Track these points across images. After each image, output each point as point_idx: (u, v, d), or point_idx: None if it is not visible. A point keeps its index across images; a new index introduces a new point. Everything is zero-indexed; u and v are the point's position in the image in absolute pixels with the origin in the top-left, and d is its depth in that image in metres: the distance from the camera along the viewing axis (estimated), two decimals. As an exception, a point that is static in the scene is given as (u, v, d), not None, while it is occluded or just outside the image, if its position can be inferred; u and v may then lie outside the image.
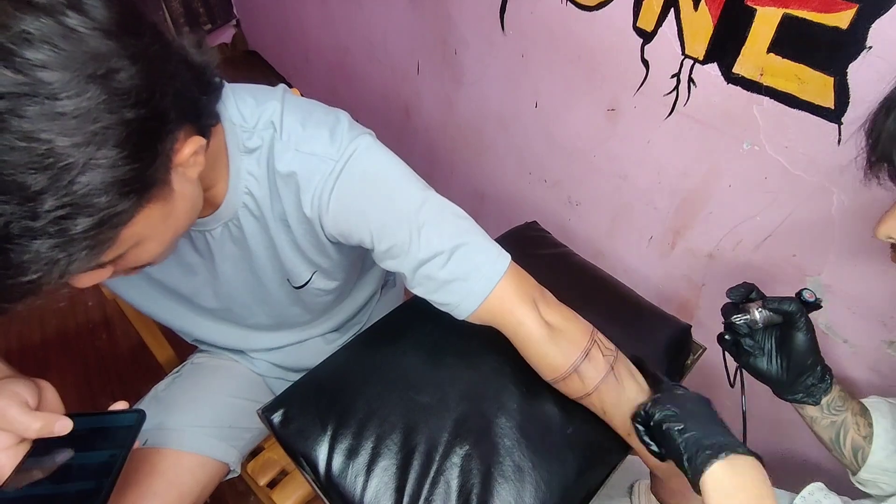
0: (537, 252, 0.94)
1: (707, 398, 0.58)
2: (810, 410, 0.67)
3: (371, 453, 0.65)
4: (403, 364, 0.73)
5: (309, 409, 0.69)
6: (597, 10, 0.90)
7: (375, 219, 0.61)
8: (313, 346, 0.90)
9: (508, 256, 0.65)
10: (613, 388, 0.63)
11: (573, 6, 0.93)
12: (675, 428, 0.53)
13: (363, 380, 0.71)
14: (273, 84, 0.66)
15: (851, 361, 0.86)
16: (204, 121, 0.52)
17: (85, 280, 0.46)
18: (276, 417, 0.68)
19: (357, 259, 0.77)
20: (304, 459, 0.66)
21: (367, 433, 0.66)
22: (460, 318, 0.64)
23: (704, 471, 0.48)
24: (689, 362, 0.82)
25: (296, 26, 2.01)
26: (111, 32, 0.38)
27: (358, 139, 0.60)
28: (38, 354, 1.51)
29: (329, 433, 0.66)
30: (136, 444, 0.69)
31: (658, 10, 0.82)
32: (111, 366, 1.51)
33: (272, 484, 0.90)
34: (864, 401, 0.68)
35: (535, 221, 1.03)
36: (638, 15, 0.85)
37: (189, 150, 0.48)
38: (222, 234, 0.65)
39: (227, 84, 0.59)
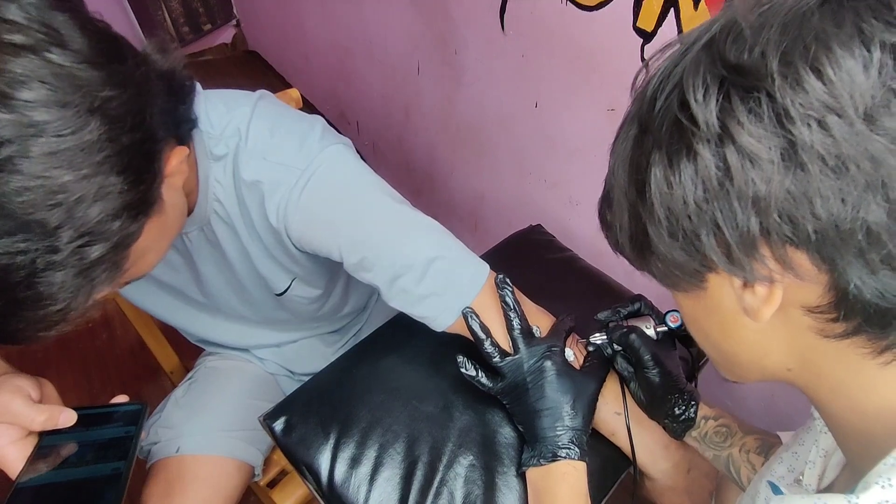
0: (543, 256, 0.94)
1: (554, 354, 0.60)
2: (686, 438, 0.62)
3: (374, 463, 0.64)
4: (406, 372, 0.72)
5: (311, 416, 0.68)
6: (597, 10, 0.90)
7: (343, 232, 0.59)
8: (311, 346, 0.90)
9: (486, 269, 0.64)
10: None
11: (573, 6, 0.93)
12: (512, 410, 0.62)
13: (366, 388, 0.70)
14: (273, 85, 0.66)
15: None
16: (183, 128, 0.53)
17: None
18: (278, 425, 0.68)
19: (337, 266, 0.76)
20: (306, 468, 0.65)
21: (370, 442, 0.66)
22: (436, 329, 0.64)
23: (527, 467, 0.60)
24: (697, 371, 0.79)
25: (296, 26, 2.01)
26: (97, 63, 0.39)
27: (329, 149, 0.59)
28: (38, 354, 1.51)
29: (331, 442, 0.66)
30: (172, 453, 0.71)
31: (658, 10, 0.82)
32: (111, 366, 1.51)
33: (272, 484, 0.90)
34: (786, 436, 0.60)
35: (539, 225, 1.03)
36: (638, 15, 0.85)
37: (175, 161, 0.48)
38: (198, 237, 0.65)
39: (201, 90, 0.58)
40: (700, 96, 0.29)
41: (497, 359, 0.62)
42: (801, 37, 0.27)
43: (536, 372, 0.60)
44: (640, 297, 0.65)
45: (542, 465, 0.58)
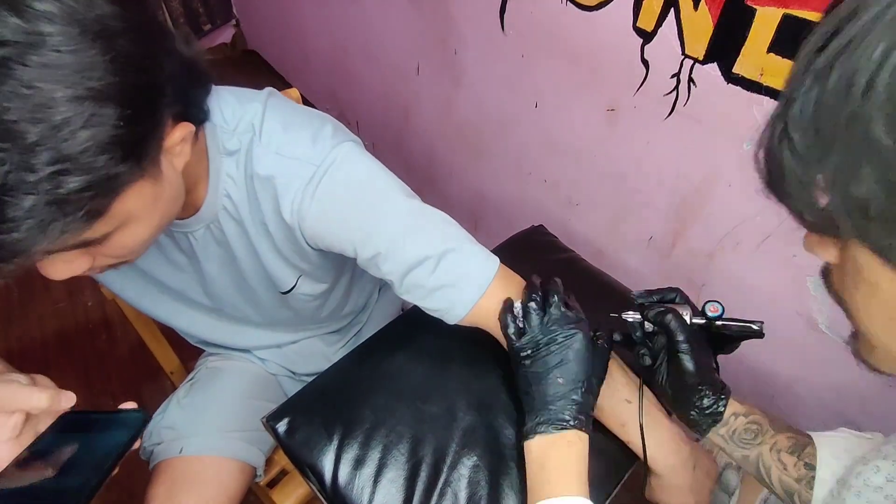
0: (544, 257, 0.94)
1: (582, 334, 0.58)
2: (713, 437, 0.60)
3: (378, 464, 0.64)
4: (410, 373, 0.72)
5: (314, 417, 0.68)
6: (597, 10, 0.90)
7: (358, 227, 0.60)
8: (312, 346, 0.90)
9: (496, 260, 0.64)
10: None
11: (573, 6, 0.93)
12: (525, 376, 0.60)
13: (369, 388, 0.70)
14: (272, 84, 0.66)
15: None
16: (193, 110, 0.52)
17: (61, 267, 0.46)
18: (281, 426, 0.67)
19: (344, 262, 0.76)
20: (309, 469, 0.65)
21: (373, 443, 0.65)
22: (449, 322, 0.64)
23: (528, 438, 0.58)
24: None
25: (295, 26, 2.01)
26: None
27: (341, 145, 0.59)
28: (38, 354, 1.51)
29: (335, 443, 0.66)
30: (176, 454, 0.70)
31: (658, 10, 0.82)
32: (111, 366, 1.51)
33: (272, 484, 0.90)
34: (820, 437, 0.56)
35: (541, 225, 1.03)
36: (638, 15, 0.85)
37: (179, 134, 0.48)
38: (205, 235, 0.64)
39: (213, 87, 0.58)
40: None
41: (534, 312, 0.60)
42: None
43: (565, 337, 0.58)
44: (676, 289, 0.64)
45: (550, 433, 0.57)
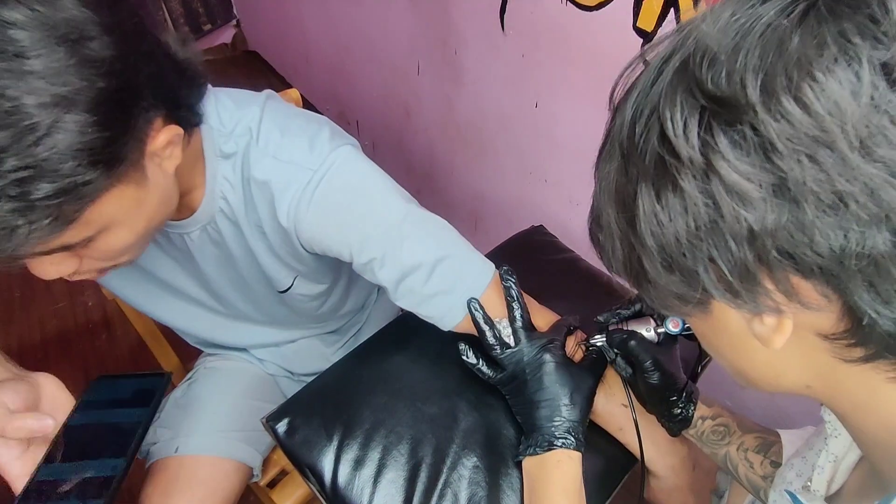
0: (544, 257, 0.94)
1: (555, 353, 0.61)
2: (684, 435, 0.63)
3: (378, 465, 0.64)
4: (410, 373, 0.72)
5: (314, 418, 0.68)
6: (597, 10, 0.90)
7: (355, 231, 0.60)
8: (310, 346, 0.90)
9: (492, 267, 0.65)
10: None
11: (573, 6, 0.93)
12: (513, 405, 0.64)
13: (369, 389, 0.70)
14: (273, 85, 0.66)
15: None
16: (183, 113, 0.51)
17: (49, 267, 0.46)
18: (281, 427, 0.68)
19: (340, 264, 0.76)
20: (309, 470, 0.65)
21: (373, 444, 0.66)
22: (444, 329, 0.65)
23: (520, 458, 0.61)
24: (700, 369, 0.79)
25: (296, 26, 2.01)
26: (87, 2, 0.39)
27: (339, 149, 0.59)
28: (38, 354, 1.51)
29: (335, 443, 0.66)
30: (171, 453, 0.72)
31: (658, 10, 0.82)
32: (111, 366, 1.51)
33: (272, 484, 0.90)
34: (788, 434, 0.58)
35: (541, 225, 1.03)
36: (638, 15, 0.85)
37: (164, 137, 0.47)
38: (201, 236, 0.64)
39: (211, 88, 0.58)
40: (679, 129, 0.27)
41: (498, 350, 0.63)
42: (780, 62, 0.24)
43: (536, 364, 0.61)
44: (640, 298, 0.64)
45: (537, 454, 0.59)
